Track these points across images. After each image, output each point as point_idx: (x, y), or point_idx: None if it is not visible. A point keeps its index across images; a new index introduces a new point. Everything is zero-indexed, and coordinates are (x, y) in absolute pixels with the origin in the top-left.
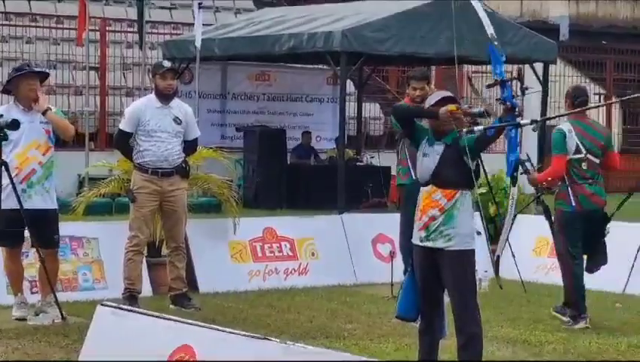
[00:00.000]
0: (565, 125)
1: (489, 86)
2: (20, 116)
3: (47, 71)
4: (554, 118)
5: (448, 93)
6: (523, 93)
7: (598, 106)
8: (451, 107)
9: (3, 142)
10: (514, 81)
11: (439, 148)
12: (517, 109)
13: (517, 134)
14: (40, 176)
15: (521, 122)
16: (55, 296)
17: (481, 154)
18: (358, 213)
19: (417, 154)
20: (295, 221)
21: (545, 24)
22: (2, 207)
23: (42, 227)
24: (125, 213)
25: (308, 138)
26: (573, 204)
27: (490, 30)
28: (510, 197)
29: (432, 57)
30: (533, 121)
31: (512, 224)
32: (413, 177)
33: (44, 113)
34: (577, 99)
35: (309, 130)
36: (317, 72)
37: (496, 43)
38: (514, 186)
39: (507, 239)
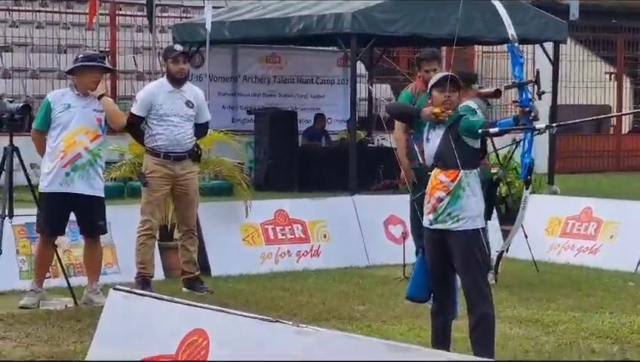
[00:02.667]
0: (472, 103)
1: (507, 87)
2: (74, 101)
3: (114, 68)
4: (570, 124)
5: (449, 73)
6: (539, 97)
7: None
8: (436, 110)
9: (52, 125)
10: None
11: (440, 131)
12: (533, 113)
13: (532, 137)
14: (85, 162)
15: (537, 126)
16: (68, 281)
17: None
18: (370, 194)
19: (423, 140)
20: (307, 203)
21: (555, 3)
22: (47, 191)
23: (85, 213)
24: (137, 197)
25: (322, 121)
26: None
27: (511, 31)
28: (522, 200)
29: (443, 38)
30: (548, 127)
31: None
32: (420, 161)
33: (99, 98)
34: (473, 83)
35: (322, 113)
36: (327, 53)
37: (516, 44)
38: (527, 189)
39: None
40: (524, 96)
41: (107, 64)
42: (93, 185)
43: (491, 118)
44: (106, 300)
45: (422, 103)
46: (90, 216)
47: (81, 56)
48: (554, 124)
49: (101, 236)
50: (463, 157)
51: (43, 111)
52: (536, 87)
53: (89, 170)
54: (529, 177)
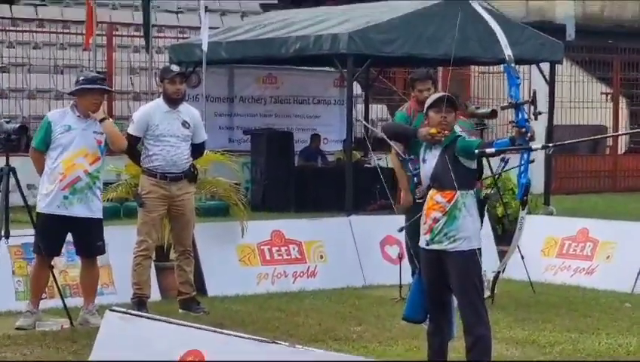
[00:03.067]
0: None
1: (503, 108)
2: (74, 122)
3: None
4: (566, 144)
5: (446, 94)
6: (536, 118)
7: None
8: (432, 130)
9: (52, 146)
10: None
11: (436, 151)
12: (529, 133)
13: (529, 158)
14: (84, 185)
15: (533, 146)
16: (64, 302)
17: None
18: (366, 215)
19: (420, 161)
20: (303, 224)
21: (551, 24)
22: (44, 212)
23: (83, 235)
24: (133, 217)
25: (317, 141)
26: None
27: (507, 51)
28: (519, 221)
29: (439, 58)
30: (544, 147)
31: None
32: (415, 181)
33: (101, 121)
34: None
35: (317, 133)
36: (324, 74)
37: (513, 65)
38: (523, 210)
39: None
40: (520, 116)
41: (107, 86)
42: (91, 208)
43: (487, 138)
44: (102, 321)
45: (418, 124)
46: (89, 237)
47: (82, 78)
48: (550, 144)
49: (98, 256)
50: (460, 178)
51: (43, 132)
52: (532, 107)
53: (87, 193)
54: (525, 198)
